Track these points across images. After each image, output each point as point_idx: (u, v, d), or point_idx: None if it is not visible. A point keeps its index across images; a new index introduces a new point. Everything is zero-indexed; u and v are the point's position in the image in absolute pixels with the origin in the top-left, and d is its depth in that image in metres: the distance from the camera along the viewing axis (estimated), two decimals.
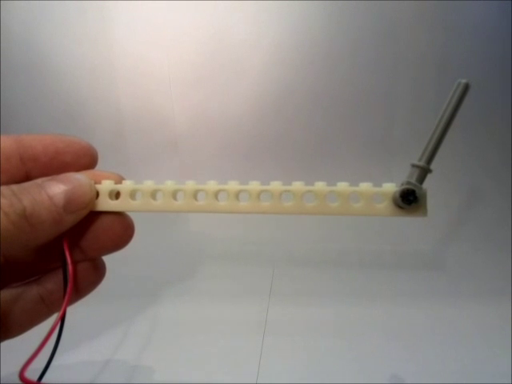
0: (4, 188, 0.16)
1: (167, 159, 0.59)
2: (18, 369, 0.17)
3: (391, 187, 0.18)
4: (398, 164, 0.56)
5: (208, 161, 0.59)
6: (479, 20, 0.55)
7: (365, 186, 0.18)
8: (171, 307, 0.40)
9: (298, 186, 0.19)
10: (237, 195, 0.19)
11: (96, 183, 0.19)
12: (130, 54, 0.57)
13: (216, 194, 0.19)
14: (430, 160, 0.18)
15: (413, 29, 0.55)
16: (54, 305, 0.20)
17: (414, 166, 0.18)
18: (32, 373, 0.18)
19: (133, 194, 0.20)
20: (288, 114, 0.58)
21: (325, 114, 0.58)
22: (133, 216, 0.21)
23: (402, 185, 0.18)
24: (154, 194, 0.20)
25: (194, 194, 0.19)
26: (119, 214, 0.20)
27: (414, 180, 0.18)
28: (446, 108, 0.18)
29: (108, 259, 0.21)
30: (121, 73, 0.57)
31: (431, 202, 0.18)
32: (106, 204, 0.19)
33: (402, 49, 0.56)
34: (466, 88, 0.17)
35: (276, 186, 0.19)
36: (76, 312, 0.21)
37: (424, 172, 0.18)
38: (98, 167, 0.21)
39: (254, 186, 0.19)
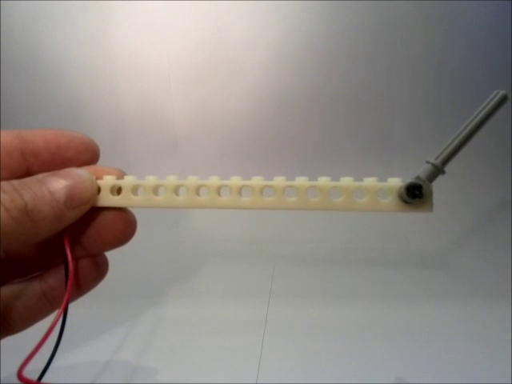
0: (5, 183, 0.16)
1: (167, 158, 0.59)
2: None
3: (396, 182, 0.18)
4: (398, 162, 0.57)
5: (208, 159, 0.59)
6: (478, 20, 0.55)
7: (369, 181, 0.18)
8: (172, 307, 0.40)
9: (301, 181, 0.19)
10: (239, 191, 0.19)
11: (97, 178, 0.19)
12: (130, 54, 0.57)
13: (218, 190, 0.19)
14: (446, 161, 0.17)
15: (411, 28, 0.55)
16: (56, 301, 0.20)
17: (427, 162, 0.18)
18: (32, 373, 0.18)
19: (134, 190, 0.19)
20: (288, 113, 0.58)
21: (325, 112, 0.58)
22: (134, 214, 0.20)
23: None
24: (155, 190, 0.19)
25: (196, 190, 0.19)
26: (121, 210, 0.19)
27: (424, 176, 0.17)
28: (477, 114, 0.17)
29: (109, 258, 0.21)
30: (121, 72, 0.57)
31: (436, 202, 0.18)
32: (107, 199, 0.19)
33: (400, 48, 0.56)
34: (504, 99, 0.17)
35: (279, 181, 0.19)
36: (77, 311, 0.20)
37: (436, 171, 0.18)
38: (98, 164, 0.20)
39: (257, 181, 0.19)
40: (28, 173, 0.19)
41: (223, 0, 0.55)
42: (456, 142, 0.17)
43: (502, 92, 0.17)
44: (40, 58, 0.56)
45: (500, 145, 0.57)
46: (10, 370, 0.21)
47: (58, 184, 0.17)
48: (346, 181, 0.18)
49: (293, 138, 0.58)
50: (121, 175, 0.20)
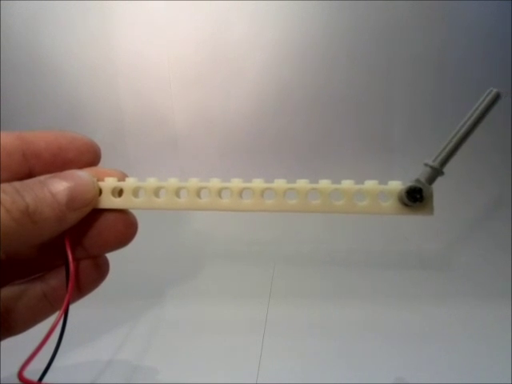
0: (6, 185, 0.16)
1: (167, 158, 0.59)
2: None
3: (397, 185, 0.18)
4: (398, 162, 0.57)
5: (208, 159, 0.59)
6: (478, 20, 0.55)
7: (370, 184, 0.18)
8: (172, 307, 0.40)
9: (302, 183, 0.19)
10: (240, 193, 0.19)
11: (99, 180, 0.19)
12: (130, 54, 0.57)
13: (219, 192, 0.19)
14: (444, 162, 0.18)
15: (411, 28, 0.55)
16: (57, 302, 0.20)
17: (426, 165, 0.18)
18: (32, 374, 0.18)
19: (136, 192, 0.19)
20: (288, 113, 0.58)
21: (325, 112, 0.58)
22: (135, 214, 0.20)
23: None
24: (157, 192, 0.20)
25: (198, 192, 0.19)
26: (122, 212, 0.19)
27: (423, 179, 0.18)
28: (472, 114, 0.17)
29: (110, 259, 0.21)
30: (121, 72, 0.57)
31: (435, 202, 0.18)
32: (108, 201, 0.19)
33: (400, 48, 0.56)
34: (497, 97, 0.17)
35: (280, 183, 0.19)
36: (78, 312, 0.20)
37: (435, 173, 0.18)
38: (99, 165, 0.20)
39: (258, 183, 0.19)
40: (30, 174, 0.19)
41: (223, 0, 0.55)
42: (453, 142, 0.17)
43: (494, 90, 0.17)
44: (40, 58, 0.56)
45: (499, 144, 0.57)
46: (10, 371, 0.21)
47: (59, 186, 0.17)
48: (347, 183, 0.18)
49: (293, 138, 0.58)
50: (122, 177, 0.20)
